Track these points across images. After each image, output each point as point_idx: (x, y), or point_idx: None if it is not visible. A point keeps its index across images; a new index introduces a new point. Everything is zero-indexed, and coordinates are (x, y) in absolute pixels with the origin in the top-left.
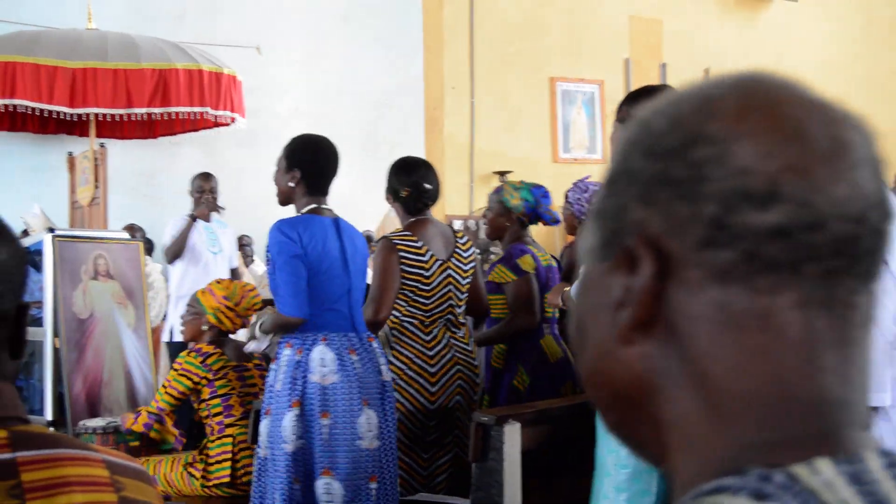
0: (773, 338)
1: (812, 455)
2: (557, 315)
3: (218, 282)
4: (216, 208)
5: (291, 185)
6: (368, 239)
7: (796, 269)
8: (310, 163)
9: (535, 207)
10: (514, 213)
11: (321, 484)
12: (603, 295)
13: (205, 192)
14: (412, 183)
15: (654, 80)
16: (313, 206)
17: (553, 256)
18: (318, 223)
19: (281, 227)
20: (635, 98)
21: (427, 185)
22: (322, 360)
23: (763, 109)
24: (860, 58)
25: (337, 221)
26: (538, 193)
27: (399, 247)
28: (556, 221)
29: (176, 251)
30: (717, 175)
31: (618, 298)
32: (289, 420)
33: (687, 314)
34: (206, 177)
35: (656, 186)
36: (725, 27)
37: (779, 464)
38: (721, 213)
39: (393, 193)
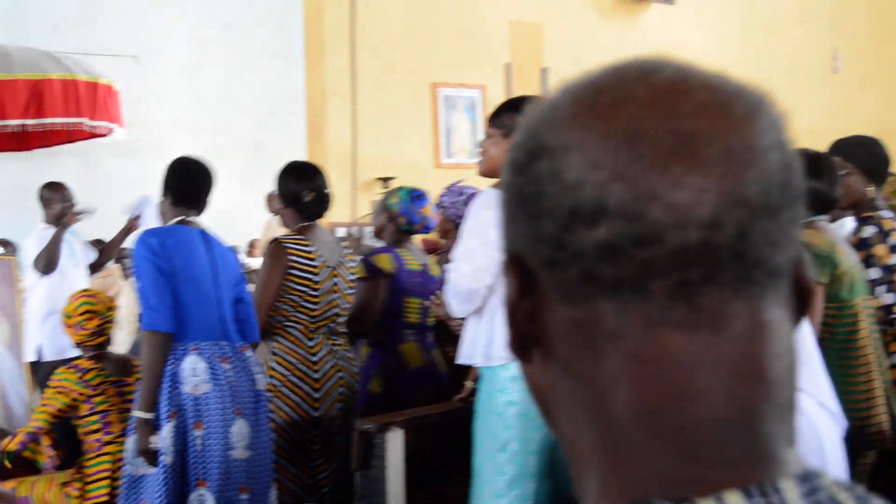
0: (631, 362)
1: (720, 487)
2: (432, 322)
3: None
4: (73, 218)
5: (164, 201)
6: (249, 247)
7: (641, 287)
8: (172, 179)
9: (409, 209)
10: (391, 213)
11: (195, 497)
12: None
13: (69, 202)
14: (316, 187)
15: (535, 85)
16: (180, 217)
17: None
18: (185, 232)
19: (146, 238)
20: (515, 106)
21: (327, 191)
22: (194, 369)
23: (597, 113)
24: (737, 61)
25: (204, 233)
26: (413, 195)
27: (290, 250)
28: (425, 227)
29: (50, 260)
30: (553, 191)
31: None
32: (167, 431)
33: (556, 334)
34: (62, 186)
35: (514, 203)
36: (605, 31)
37: (684, 497)
38: (558, 232)
39: (291, 198)
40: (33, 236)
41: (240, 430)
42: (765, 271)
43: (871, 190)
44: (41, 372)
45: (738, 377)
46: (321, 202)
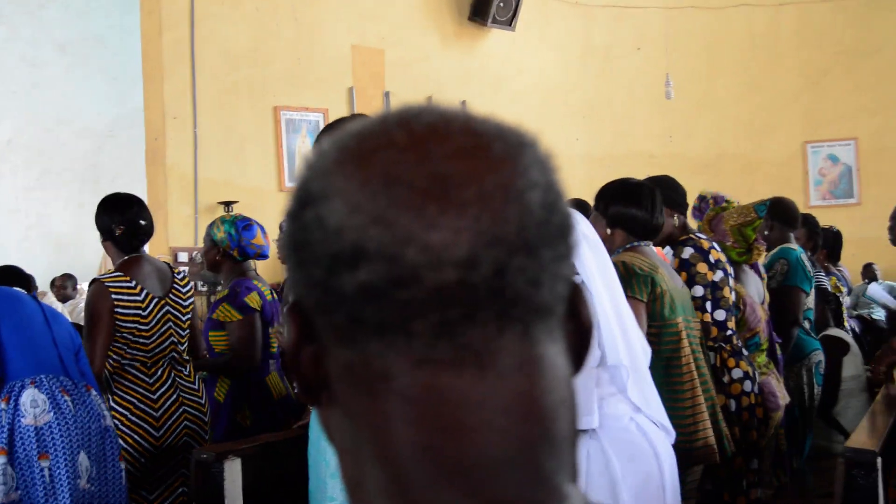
0: (403, 401)
1: None
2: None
3: None
4: None
5: None
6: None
7: (404, 328)
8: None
9: (239, 241)
10: (223, 247)
11: None
12: None
13: None
14: (127, 220)
15: (377, 109)
16: None
17: (275, 288)
18: (8, 288)
19: None
20: (332, 130)
21: (142, 222)
22: (33, 401)
23: (358, 159)
24: (578, 86)
25: (34, 296)
26: (241, 226)
27: (112, 289)
28: (261, 256)
29: None
30: (318, 237)
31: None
32: None
33: (335, 377)
34: None
35: (290, 250)
36: (446, 55)
37: None
38: (324, 277)
39: (106, 232)
40: None
41: (83, 462)
42: (528, 308)
43: (678, 218)
44: None
45: (511, 413)
46: (135, 235)
